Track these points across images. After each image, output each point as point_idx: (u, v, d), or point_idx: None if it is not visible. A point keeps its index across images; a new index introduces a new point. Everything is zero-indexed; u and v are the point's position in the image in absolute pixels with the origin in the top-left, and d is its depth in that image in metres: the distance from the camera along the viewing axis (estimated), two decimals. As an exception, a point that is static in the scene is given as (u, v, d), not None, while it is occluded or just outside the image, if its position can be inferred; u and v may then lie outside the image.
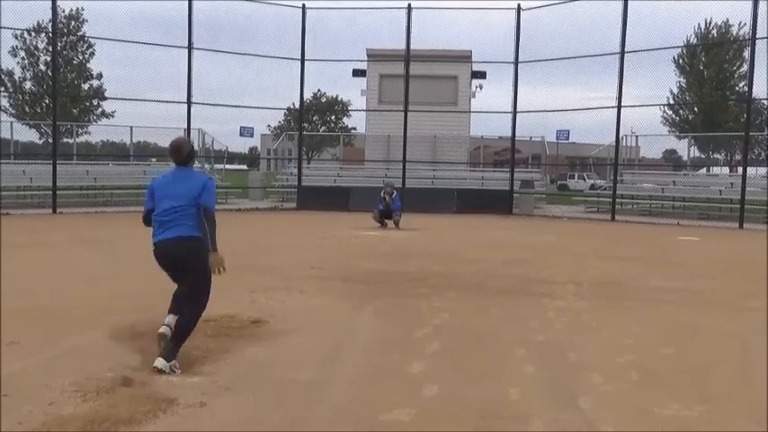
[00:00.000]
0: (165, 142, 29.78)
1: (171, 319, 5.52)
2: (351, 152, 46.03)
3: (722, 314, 7.99)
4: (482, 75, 30.19)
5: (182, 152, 5.69)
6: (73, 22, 37.75)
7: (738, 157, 34.06)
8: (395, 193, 18.16)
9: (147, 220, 5.71)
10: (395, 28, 25.17)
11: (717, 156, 42.77)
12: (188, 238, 5.47)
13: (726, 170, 36.47)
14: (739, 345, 6.55)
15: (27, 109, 39.12)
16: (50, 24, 24.36)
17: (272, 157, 51.77)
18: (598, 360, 5.89)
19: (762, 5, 20.48)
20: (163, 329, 5.44)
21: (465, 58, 29.29)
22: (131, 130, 28.15)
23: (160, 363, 5.20)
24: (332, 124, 63.63)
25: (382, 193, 18.10)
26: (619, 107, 22.76)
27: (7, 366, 5.28)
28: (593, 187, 39.56)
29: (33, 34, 36.49)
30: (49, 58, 35.80)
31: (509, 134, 25.70)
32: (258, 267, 10.52)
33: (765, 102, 28.14)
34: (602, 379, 5.34)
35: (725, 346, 6.54)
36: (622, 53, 22.40)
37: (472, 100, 30.99)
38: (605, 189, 28.69)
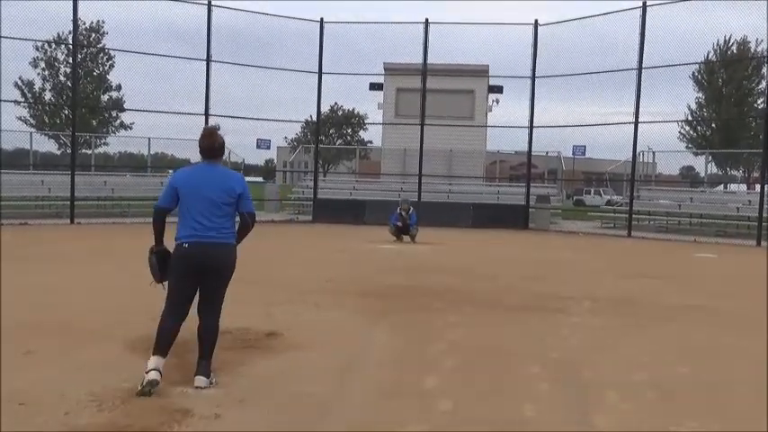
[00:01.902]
0: (182, 154, 30.03)
1: (159, 361, 5.04)
2: (367, 165, 46.06)
3: (739, 332, 7.92)
4: (499, 89, 30.14)
5: (214, 139, 5.25)
6: (93, 35, 38.13)
7: (756, 174, 33.84)
8: (411, 209, 18.15)
9: (159, 219, 5.27)
10: (412, 42, 25.25)
11: (734, 173, 42.55)
12: (225, 244, 5.22)
13: (743, 187, 36.24)
14: (757, 363, 6.47)
15: (46, 120, 39.53)
16: (71, 36, 24.59)
17: (289, 170, 51.90)
18: (614, 378, 5.85)
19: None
20: (155, 375, 4.95)
21: (482, 72, 29.30)
22: (149, 141, 28.34)
23: (201, 381, 5.14)
24: (348, 137, 63.75)
25: (399, 210, 18.10)
26: (636, 123, 22.66)
27: (24, 376, 5.32)
28: (609, 203, 39.37)
29: (54, 46, 36.88)
30: (68, 70, 36.17)
31: (525, 149, 25.69)
32: (273, 280, 10.54)
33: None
34: (617, 397, 5.30)
35: (742, 365, 6.49)
36: (640, 69, 22.33)
37: (489, 114, 30.94)
38: (622, 205, 28.55)
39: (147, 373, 4.95)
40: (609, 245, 20.22)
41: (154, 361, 5.01)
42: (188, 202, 5.16)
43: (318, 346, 6.67)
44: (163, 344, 5.13)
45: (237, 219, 5.41)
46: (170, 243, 5.31)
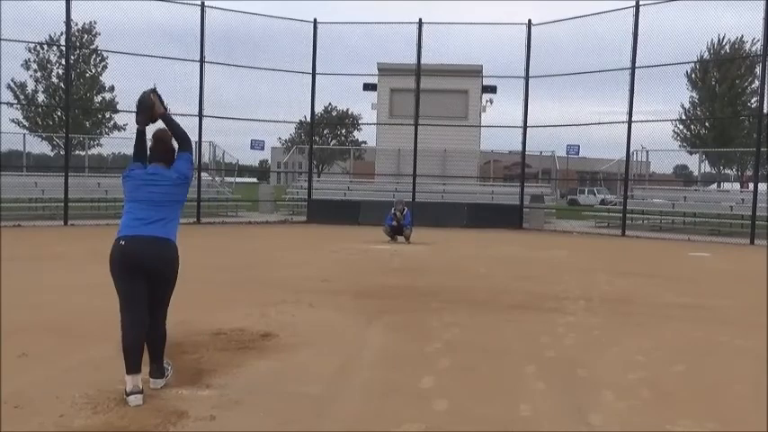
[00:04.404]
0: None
1: (136, 380, 4.80)
2: (361, 166, 46.10)
3: (734, 331, 7.93)
4: (493, 89, 30.21)
5: (165, 145, 5.21)
6: (86, 36, 38.00)
7: (750, 172, 33.95)
8: (406, 209, 18.15)
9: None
10: (406, 42, 25.24)
11: (728, 171, 42.65)
12: (165, 239, 4.98)
13: (737, 186, 36.34)
14: (752, 362, 6.50)
15: (39, 121, 39.39)
16: (63, 38, 24.52)
17: (283, 171, 51.91)
18: (609, 377, 5.85)
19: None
20: (136, 399, 4.75)
21: (475, 72, 29.33)
22: (143, 142, 28.24)
23: (156, 384, 5.09)
24: (342, 138, 63.73)
25: (393, 210, 18.09)
26: (629, 122, 22.72)
27: (18, 378, 5.30)
28: (603, 202, 39.46)
29: (46, 47, 36.77)
30: (61, 71, 36.06)
31: (519, 149, 25.71)
32: (268, 281, 10.53)
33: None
34: (613, 396, 5.31)
35: (737, 364, 6.50)
36: (633, 68, 22.39)
37: (482, 114, 30.99)
38: (616, 204, 28.62)
39: (127, 397, 4.75)
40: (603, 244, 20.25)
41: (130, 382, 4.77)
42: (132, 194, 5.10)
43: (314, 346, 6.66)
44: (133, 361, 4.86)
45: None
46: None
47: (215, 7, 23.44)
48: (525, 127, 24.93)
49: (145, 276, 4.93)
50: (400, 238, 17.80)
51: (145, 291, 4.95)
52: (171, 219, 5.09)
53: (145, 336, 4.97)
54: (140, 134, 5.30)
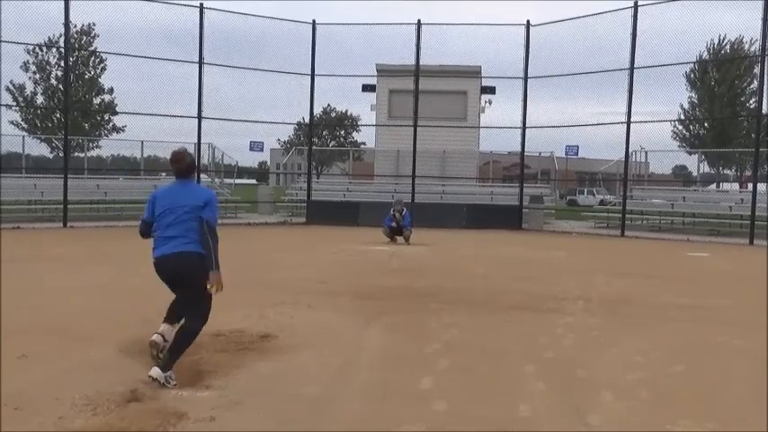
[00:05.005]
0: (175, 157, 29.85)
1: (165, 327, 5.65)
2: (360, 167, 46.07)
3: (733, 331, 7.93)
4: (491, 90, 30.17)
5: (182, 163, 5.62)
6: (85, 38, 37.97)
7: (748, 173, 33.94)
8: (405, 210, 18.13)
9: (145, 232, 5.74)
10: (404, 44, 25.23)
11: (727, 171, 42.63)
12: (188, 253, 5.42)
13: (736, 186, 36.34)
14: (751, 362, 6.50)
15: (38, 123, 39.36)
16: (62, 39, 24.49)
17: (282, 172, 51.92)
18: (608, 377, 5.86)
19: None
20: (155, 337, 5.61)
21: (474, 73, 29.31)
22: (142, 144, 28.29)
23: (155, 372, 5.19)
24: (341, 139, 63.73)
25: (392, 211, 18.07)
26: (628, 123, 22.73)
27: (17, 380, 5.30)
28: (602, 203, 39.45)
29: (45, 49, 36.74)
30: (60, 73, 36.04)
31: (518, 149, 25.71)
32: (267, 282, 10.53)
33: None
34: (612, 396, 5.31)
35: (737, 364, 6.51)
36: (631, 69, 22.40)
37: (481, 115, 30.99)
38: (615, 205, 28.61)
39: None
40: (602, 244, 20.25)
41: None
42: (159, 218, 5.58)
43: (313, 347, 6.67)
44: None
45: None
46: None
47: (214, 9, 23.46)
48: (524, 128, 24.94)
49: None
50: (400, 239, 17.79)
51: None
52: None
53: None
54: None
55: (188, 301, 5.57)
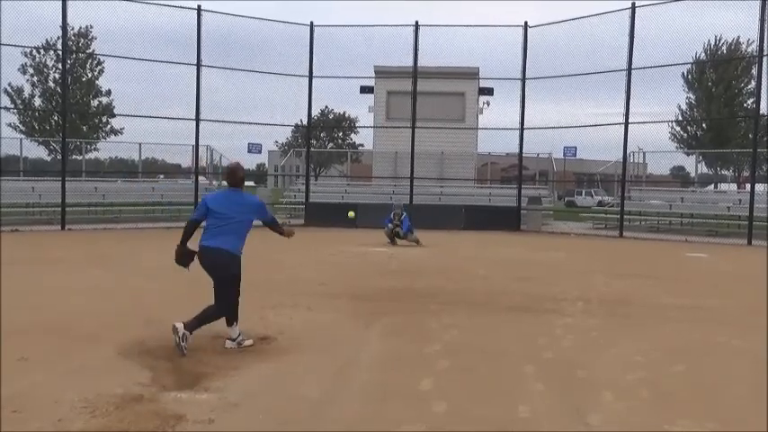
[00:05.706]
0: (173, 159, 29.88)
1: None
2: (358, 168, 46.03)
3: (732, 331, 7.94)
4: (489, 91, 30.13)
5: (236, 176, 6.76)
6: (82, 40, 37.93)
7: (746, 173, 33.98)
8: (404, 215, 18.05)
9: (189, 228, 6.58)
10: (402, 45, 25.22)
11: (725, 172, 42.65)
12: (226, 250, 6.47)
13: (734, 187, 36.37)
14: (750, 362, 6.51)
15: (36, 126, 39.30)
16: (60, 42, 24.47)
17: (280, 174, 51.80)
18: (608, 377, 5.86)
19: (769, 22, 20.45)
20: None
21: (472, 74, 29.32)
22: (140, 146, 28.23)
23: (179, 324, 6.10)
24: (339, 141, 63.66)
25: (392, 215, 18.01)
26: (626, 123, 22.72)
27: (17, 382, 5.29)
28: (600, 204, 39.45)
29: (43, 52, 36.70)
30: (58, 76, 36.01)
31: (516, 150, 25.71)
32: (266, 284, 10.50)
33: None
34: (612, 396, 5.31)
35: (736, 364, 6.51)
36: (629, 70, 22.40)
37: (479, 116, 30.98)
38: (613, 206, 28.62)
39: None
40: (601, 245, 20.26)
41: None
42: (211, 217, 6.55)
43: (312, 349, 6.67)
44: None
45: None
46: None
47: (211, 11, 23.44)
48: (522, 129, 24.92)
49: None
50: (401, 241, 17.72)
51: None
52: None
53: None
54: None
55: (218, 289, 6.50)
